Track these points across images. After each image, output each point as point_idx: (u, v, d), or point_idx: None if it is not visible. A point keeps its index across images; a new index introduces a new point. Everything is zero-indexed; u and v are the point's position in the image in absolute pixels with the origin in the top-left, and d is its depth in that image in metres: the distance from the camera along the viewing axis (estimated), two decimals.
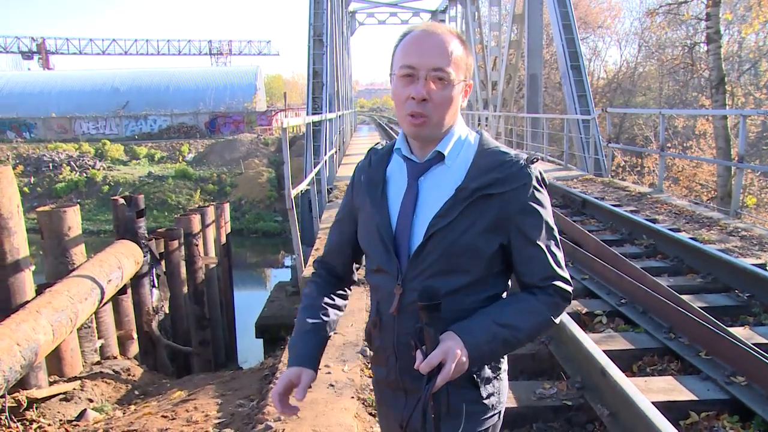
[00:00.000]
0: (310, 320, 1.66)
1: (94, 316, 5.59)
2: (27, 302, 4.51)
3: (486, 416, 1.54)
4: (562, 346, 3.70)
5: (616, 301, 4.58)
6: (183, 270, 8.80)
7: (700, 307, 4.06)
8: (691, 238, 6.01)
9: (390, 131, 36.55)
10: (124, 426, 3.91)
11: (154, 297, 7.26)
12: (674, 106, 28.88)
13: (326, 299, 1.70)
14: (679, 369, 3.57)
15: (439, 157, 1.52)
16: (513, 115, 21.34)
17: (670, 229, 6.43)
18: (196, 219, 9.56)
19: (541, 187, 1.52)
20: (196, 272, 9.49)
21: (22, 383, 4.31)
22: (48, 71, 54.29)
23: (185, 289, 8.88)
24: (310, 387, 1.57)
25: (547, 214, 1.52)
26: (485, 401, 1.53)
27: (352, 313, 4.77)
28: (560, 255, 1.55)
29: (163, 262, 7.88)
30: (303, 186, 7.18)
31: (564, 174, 12.91)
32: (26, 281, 4.70)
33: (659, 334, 3.92)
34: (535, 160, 1.52)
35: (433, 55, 1.45)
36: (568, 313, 3.93)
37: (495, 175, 1.47)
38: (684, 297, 4.25)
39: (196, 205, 19.04)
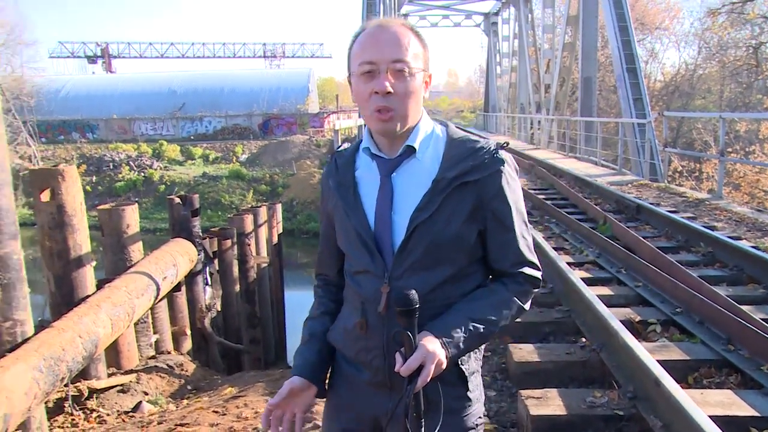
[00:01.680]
0: (307, 332, 1.70)
1: (149, 311, 5.74)
2: (88, 296, 4.68)
3: (472, 409, 1.57)
4: (613, 354, 3.62)
5: (670, 310, 4.46)
6: (235, 269, 8.95)
7: (761, 319, 3.91)
8: (752, 247, 5.80)
9: None
10: (177, 419, 4.01)
11: (207, 295, 7.41)
12: (736, 110, 27.91)
13: (325, 309, 1.72)
14: (739, 383, 3.44)
15: (410, 151, 1.52)
16: (566, 119, 21.02)
17: (729, 237, 6.22)
18: (248, 219, 9.72)
19: (514, 171, 1.55)
20: (248, 271, 9.65)
21: (84, 374, 4.47)
22: (110, 74, 56.06)
23: (237, 288, 9.04)
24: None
25: (519, 199, 1.55)
26: (470, 395, 1.56)
27: None
28: (530, 240, 1.58)
29: (216, 261, 8.04)
30: None
31: (618, 179, 12.64)
32: (88, 276, 4.87)
33: (717, 345, 3.80)
34: (505, 145, 1.54)
35: (391, 47, 1.46)
36: (620, 321, 3.84)
37: (470, 162, 1.49)
38: (744, 308, 4.11)
39: (249, 206, 19.34)
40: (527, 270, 1.54)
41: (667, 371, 3.05)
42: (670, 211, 7.92)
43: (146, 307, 5.28)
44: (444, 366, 1.40)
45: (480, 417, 1.60)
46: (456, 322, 1.45)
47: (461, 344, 1.44)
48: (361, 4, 17.07)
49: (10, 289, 3.74)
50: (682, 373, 3.53)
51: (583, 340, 4.11)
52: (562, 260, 5.35)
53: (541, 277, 1.59)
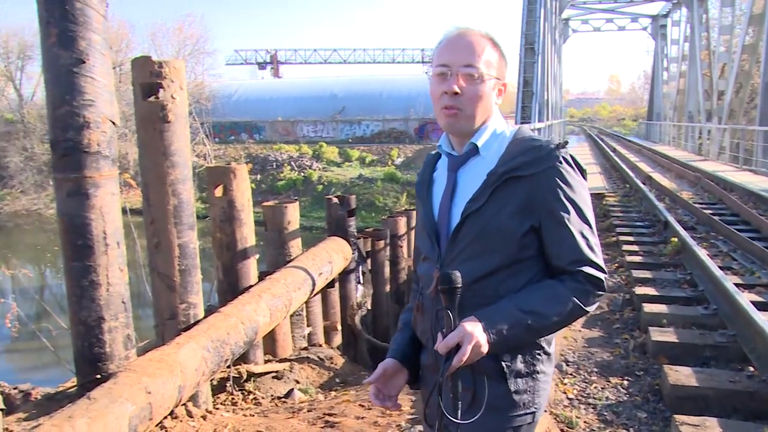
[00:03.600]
0: (401, 321, 1.80)
1: (304, 305, 6.03)
2: (251, 286, 5.01)
3: (514, 413, 1.53)
4: None
5: None
6: (387, 269, 9.15)
7: None
8: None
9: (600, 142, 34.97)
10: (325, 409, 4.20)
11: (359, 293, 7.65)
12: None
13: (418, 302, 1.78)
14: None
15: (475, 149, 1.61)
16: (742, 128, 19.35)
17: None
18: (402, 221, 9.91)
19: (573, 169, 1.55)
20: (399, 273, 9.83)
21: (243, 358, 4.79)
22: (277, 79, 59.61)
23: (387, 288, 9.24)
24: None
25: (579, 197, 1.54)
26: (515, 397, 1.52)
27: None
28: (594, 240, 1.55)
29: (369, 261, 8.28)
30: None
31: None
32: (251, 268, 5.22)
33: None
34: (565, 143, 1.56)
35: (464, 53, 1.56)
36: None
37: (523, 158, 1.53)
38: None
39: (403, 208, 19.70)
40: (587, 269, 1.52)
41: None
42: None
43: (302, 300, 5.55)
44: (483, 350, 1.41)
45: (530, 423, 1.57)
46: (501, 309, 1.46)
47: (505, 332, 1.44)
48: (522, 9, 16.82)
49: (186, 275, 4.13)
50: None
51: (751, 369, 3.80)
52: (728, 280, 4.97)
53: (605, 279, 1.55)
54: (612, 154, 24.62)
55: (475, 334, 1.39)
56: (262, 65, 64.89)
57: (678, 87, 35.26)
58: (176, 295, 4.13)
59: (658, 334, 4.33)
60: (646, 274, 6.09)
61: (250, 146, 40.14)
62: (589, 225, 1.55)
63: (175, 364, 3.38)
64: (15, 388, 5.02)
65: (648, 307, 4.92)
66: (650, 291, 5.44)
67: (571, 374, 3.92)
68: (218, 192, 5.01)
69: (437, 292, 1.50)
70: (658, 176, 15.94)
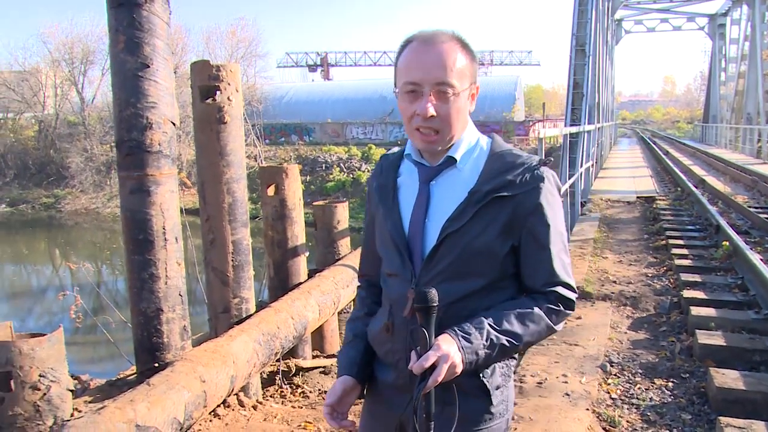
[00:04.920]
0: (350, 332, 1.72)
1: (352, 302, 6.16)
2: (300, 283, 5.16)
3: (493, 423, 1.53)
4: None
5: None
6: None
7: None
8: None
9: (653, 146, 34.31)
10: None
11: None
12: None
13: (368, 310, 1.73)
14: None
15: (451, 162, 1.52)
16: None
17: None
18: None
19: (554, 188, 1.51)
20: None
21: (292, 352, 4.94)
22: (327, 81, 60.24)
23: None
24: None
25: (558, 217, 1.51)
26: (493, 409, 1.52)
27: (595, 327, 4.71)
28: (567, 261, 1.54)
29: None
30: None
31: None
32: (301, 265, 5.37)
33: None
34: (548, 162, 1.51)
35: (436, 68, 1.43)
36: None
37: (508, 177, 1.47)
38: None
39: None
40: (560, 290, 1.50)
41: None
42: None
43: (350, 297, 5.66)
44: (458, 370, 1.37)
45: (505, 430, 1.56)
46: (477, 329, 1.41)
47: (479, 352, 1.40)
48: (572, 10, 16.61)
49: (239, 270, 4.29)
50: None
51: None
52: None
53: (575, 300, 1.53)
54: (664, 157, 24.11)
55: (451, 353, 1.35)
56: (312, 67, 65.69)
57: (736, 88, 34.29)
58: (229, 290, 4.30)
59: (705, 337, 4.29)
60: (695, 277, 6.01)
61: (300, 148, 40.64)
62: (564, 245, 1.53)
63: (228, 356, 3.53)
64: (75, 378, 5.30)
65: (696, 310, 4.87)
66: (699, 294, 5.38)
67: (615, 374, 3.92)
68: (271, 191, 5.17)
69: (413, 313, 1.41)
70: (711, 179, 15.57)
